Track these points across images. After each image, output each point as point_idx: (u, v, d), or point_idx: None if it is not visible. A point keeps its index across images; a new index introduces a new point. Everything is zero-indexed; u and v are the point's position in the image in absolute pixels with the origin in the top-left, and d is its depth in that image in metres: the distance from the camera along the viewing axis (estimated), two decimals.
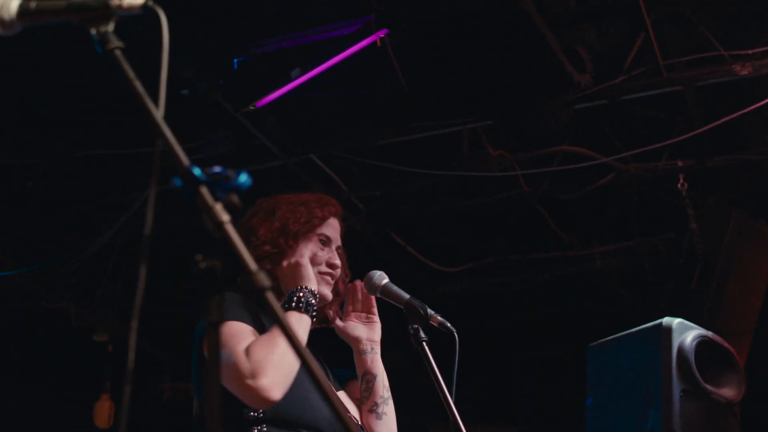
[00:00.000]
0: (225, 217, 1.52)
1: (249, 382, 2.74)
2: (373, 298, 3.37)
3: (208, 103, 5.76)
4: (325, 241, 3.30)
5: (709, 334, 4.49)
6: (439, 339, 3.22)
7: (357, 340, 3.35)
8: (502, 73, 5.77)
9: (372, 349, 3.35)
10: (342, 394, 3.37)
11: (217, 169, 1.55)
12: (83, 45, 1.74)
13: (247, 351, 2.80)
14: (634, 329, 4.58)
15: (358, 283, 3.38)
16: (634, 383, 4.46)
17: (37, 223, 7.13)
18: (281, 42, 5.58)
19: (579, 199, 7.11)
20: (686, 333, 4.37)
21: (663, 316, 4.45)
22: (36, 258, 7.20)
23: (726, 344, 4.58)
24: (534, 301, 8.82)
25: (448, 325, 3.18)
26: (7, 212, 6.91)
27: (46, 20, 1.77)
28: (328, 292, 3.25)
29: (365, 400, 3.30)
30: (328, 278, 3.26)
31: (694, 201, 6.68)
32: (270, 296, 1.49)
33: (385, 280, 3.35)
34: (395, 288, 3.33)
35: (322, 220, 3.30)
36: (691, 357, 4.30)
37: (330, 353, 3.39)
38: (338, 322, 3.37)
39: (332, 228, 3.34)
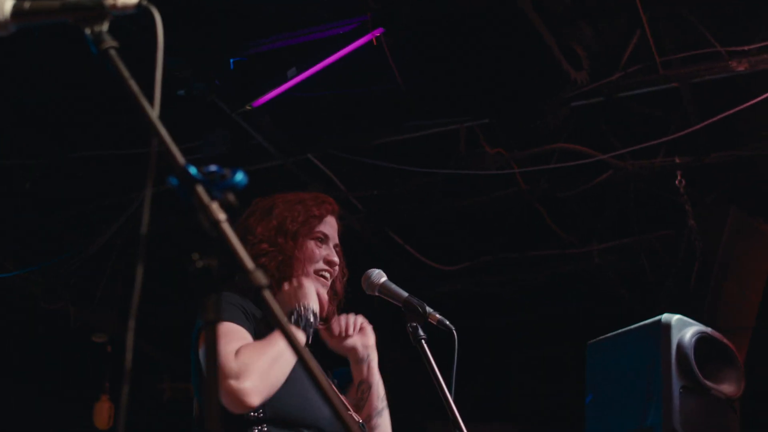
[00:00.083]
0: (221, 215, 1.52)
1: (231, 382, 2.73)
2: (350, 323, 3.33)
3: (205, 104, 5.76)
4: (323, 239, 3.29)
5: (708, 330, 4.49)
6: (438, 337, 3.22)
7: (353, 350, 3.31)
8: (499, 71, 5.77)
9: (368, 355, 3.31)
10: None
11: (213, 168, 1.55)
12: (81, 45, 1.73)
13: (237, 352, 2.80)
14: (633, 326, 4.58)
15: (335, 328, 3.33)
16: (633, 380, 4.47)
17: (36, 223, 7.13)
18: (277, 42, 5.58)
19: (577, 197, 7.11)
20: (685, 329, 4.38)
21: (662, 314, 4.45)
22: (35, 259, 7.21)
23: (725, 340, 4.58)
24: (532, 300, 8.82)
25: (447, 323, 3.18)
26: (6, 213, 6.91)
27: (41, 20, 1.77)
28: (323, 293, 3.25)
29: (359, 409, 3.29)
30: (326, 276, 3.26)
31: (692, 198, 6.68)
32: (267, 294, 1.49)
33: (384, 278, 3.35)
34: (393, 286, 3.33)
35: (320, 218, 3.30)
36: (691, 353, 4.30)
37: (330, 352, 3.38)
38: (329, 339, 3.33)
39: (330, 226, 3.34)
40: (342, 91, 6.06)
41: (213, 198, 1.53)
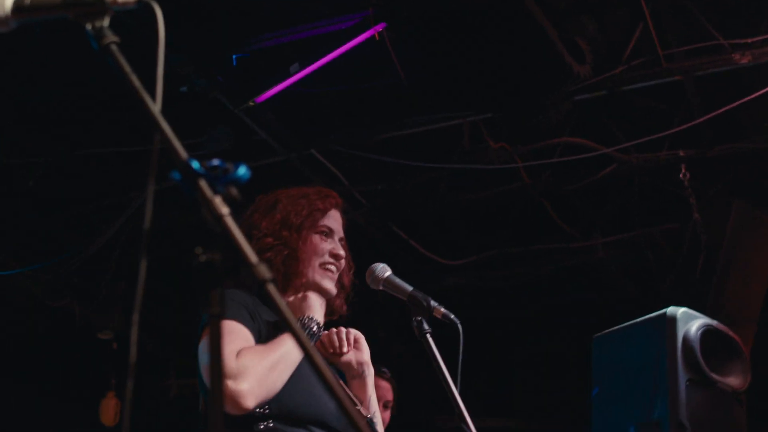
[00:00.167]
0: (224, 209, 1.51)
1: (229, 382, 2.73)
2: (341, 337, 3.29)
3: (208, 100, 5.76)
4: (328, 233, 3.29)
5: (714, 323, 4.48)
6: (442, 332, 3.21)
7: (348, 366, 3.28)
8: (502, 65, 5.77)
9: (363, 372, 3.28)
10: None
11: (215, 162, 1.55)
12: (84, 42, 1.73)
13: (238, 354, 2.79)
14: (638, 319, 4.58)
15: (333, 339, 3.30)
16: (639, 373, 4.46)
17: (39, 222, 7.13)
18: (280, 37, 5.58)
19: (581, 191, 7.10)
20: (691, 322, 4.37)
21: (667, 307, 4.45)
22: (39, 257, 7.21)
23: (731, 333, 4.57)
24: (537, 294, 8.81)
25: (452, 316, 3.17)
26: (9, 212, 6.91)
27: (42, 16, 1.77)
28: (332, 286, 3.24)
29: None
30: (333, 269, 3.25)
31: (696, 191, 6.67)
32: (271, 288, 1.49)
33: (388, 272, 3.35)
34: (398, 280, 3.32)
35: (324, 211, 3.29)
36: (697, 346, 4.29)
37: None
38: (324, 353, 3.28)
39: (334, 220, 3.33)
40: (345, 86, 6.06)
41: (216, 192, 1.53)
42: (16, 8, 1.76)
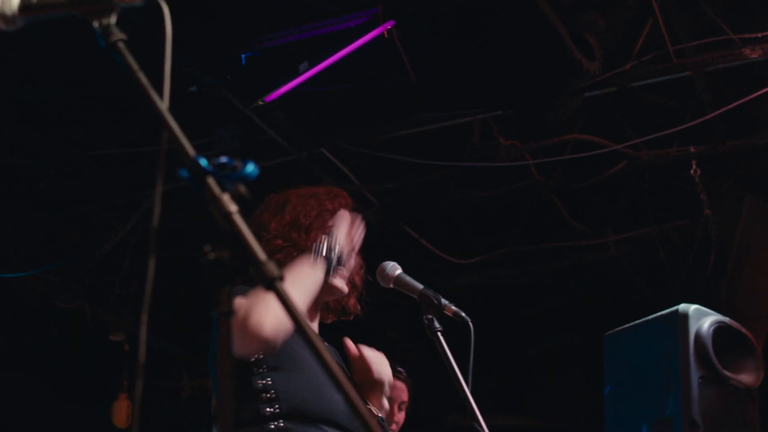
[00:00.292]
0: (233, 207, 1.51)
1: (251, 318, 2.66)
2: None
3: (217, 100, 5.76)
4: None
5: (726, 319, 4.46)
6: (453, 330, 3.20)
7: (380, 383, 3.19)
8: (511, 62, 5.75)
9: (385, 392, 3.21)
10: None
11: (223, 159, 1.54)
12: (97, 43, 1.72)
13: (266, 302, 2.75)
14: (650, 317, 4.56)
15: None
16: (651, 371, 4.45)
17: (50, 223, 7.14)
18: (288, 36, 5.57)
19: (591, 188, 7.08)
20: (703, 319, 4.35)
21: (679, 304, 4.43)
22: (50, 259, 7.21)
23: (743, 329, 4.55)
24: (548, 292, 8.80)
25: (463, 314, 3.16)
26: (19, 213, 6.92)
27: (48, 14, 1.77)
28: (343, 285, 3.22)
29: None
30: (343, 270, 3.24)
31: (708, 187, 6.65)
32: (280, 287, 1.48)
33: (398, 270, 3.34)
34: (408, 279, 3.31)
35: (333, 211, 3.27)
36: (709, 343, 4.28)
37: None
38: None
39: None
40: (354, 84, 6.05)
41: (224, 190, 1.52)
42: (23, 6, 1.76)
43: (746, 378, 4.43)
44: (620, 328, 4.71)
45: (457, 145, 6.61)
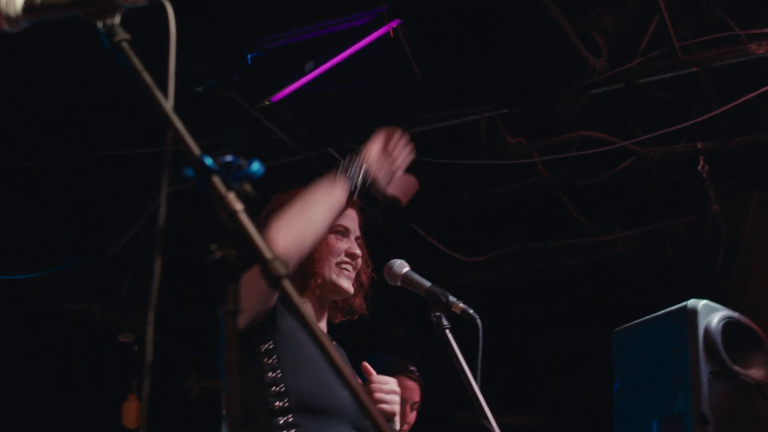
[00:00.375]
0: (238, 206, 1.51)
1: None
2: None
3: (223, 100, 5.76)
4: (343, 232, 3.27)
5: (736, 314, 4.45)
6: (462, 328, 3.20)
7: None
8: (517, 60, 5.74)
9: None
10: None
11: (229, 158, 1.54)
12: (101, 43, 1.72)
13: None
14: (659, 313, 4.55)
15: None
16: (661, 367, 4.44)
17: (57, 225, 7.14)
18: (294, 36, 5.57)
19: (599, 185, 7.07)
20: (712, 314, 4.34)
21: (688, 300, 4.42)
22: (58, 260, 7.22)
23: (753, 324, 4.54)
24: (556, 289, 8.78)
25: (471, 311, 3.16)
26: (27, 215, 6.93)
27: (53, 15, 1.77)
28: (349, 285, 3.22)
29: None
30: (349, 269, 3.23)
31: (715, 183, 6.64)
32: (287, 284, 1.48)
33: (406, 268, 3.34)
34: (416, 276, 3.31)
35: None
36: (718, 338, 4.27)
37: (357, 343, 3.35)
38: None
39: (350, 219, 3.32)
40: (360, 83, 6.05)
41: (230, 188, 1.52)
42: (27, 7, 1.76)
43: (756, 373, 4.42)
44: (629, 324, 4.70)
45: (463, 144, 6.61)
